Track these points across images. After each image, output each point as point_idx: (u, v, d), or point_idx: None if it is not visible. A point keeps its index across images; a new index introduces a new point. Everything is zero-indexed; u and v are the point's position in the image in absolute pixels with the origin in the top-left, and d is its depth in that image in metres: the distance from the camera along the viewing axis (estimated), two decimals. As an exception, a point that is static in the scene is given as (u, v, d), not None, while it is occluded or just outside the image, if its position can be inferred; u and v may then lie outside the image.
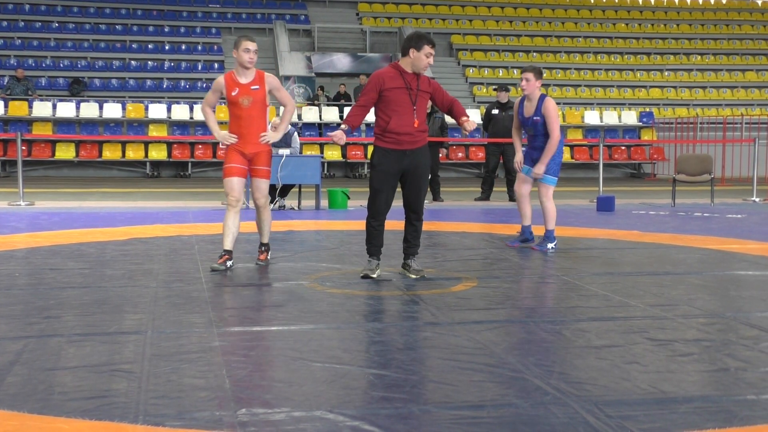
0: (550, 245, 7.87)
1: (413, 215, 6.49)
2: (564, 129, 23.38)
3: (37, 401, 3.35)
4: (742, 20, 31.42)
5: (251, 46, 6.64)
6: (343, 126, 6.40)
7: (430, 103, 13.37)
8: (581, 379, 3.70)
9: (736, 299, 5.67)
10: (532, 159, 7.98)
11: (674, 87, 27.72)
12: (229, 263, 6.64)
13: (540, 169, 7.85)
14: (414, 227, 6.51)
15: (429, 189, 14.37)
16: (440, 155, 14.67)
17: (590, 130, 23.59)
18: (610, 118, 23.98)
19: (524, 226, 8.09)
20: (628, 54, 28.94)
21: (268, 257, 7.03)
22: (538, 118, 7.82)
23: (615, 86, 27.35)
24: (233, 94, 6.62)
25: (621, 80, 27.67)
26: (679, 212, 12.07)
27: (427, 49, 6.30)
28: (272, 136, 6.75)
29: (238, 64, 6.67)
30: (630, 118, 24.06)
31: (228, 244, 6.70)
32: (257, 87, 6.64)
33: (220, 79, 6.73)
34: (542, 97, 7.86)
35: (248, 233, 8.22)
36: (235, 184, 6.70)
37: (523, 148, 8.20)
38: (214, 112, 6.88)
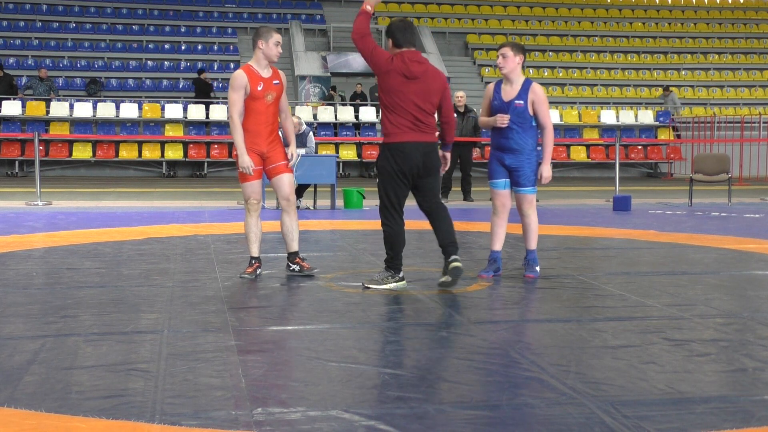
0: (537, 268, 6.45)
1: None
2: (580, 128, 23.31)
3: (55, 400, 3.37)
4: (760, 19, 31.23)
5: (280, 39, 6.21)
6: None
7: (465, 102, 13.42)
8: (597, 379, 3.68)
9: (753, 299, 5.64)
10: (503, 164, 6.38)
11: (691, 86, 27.58)
12: (258, 271, 6.37)
13: (547, 170, 6.41)
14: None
15: (460, 188, 14.34)
16: (474, 155, 14.43)
17: (606, 130, 23.49)
18: (627, 117, 23.87)
19: (495, 251, 6.52)
20: (644, 53, 28.81)
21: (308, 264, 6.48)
22: (521, 102, 6.30)
23: (632, 85, 27.24)
24: (259, 89, 6.10)
25: (638, 79, 27.55)
26: (696, 212, 12.01)
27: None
28: (296, 156, 6.41)
29: (260, 58, 6.15)
30: (647, 117, 23.95)
31: (255, 251, 6.39)
32: (278, 82, 6.22)
33: (241, 74, 6.09)
34: (528, 81, 6.42)
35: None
36: (256, 186, 6.32)
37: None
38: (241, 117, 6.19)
